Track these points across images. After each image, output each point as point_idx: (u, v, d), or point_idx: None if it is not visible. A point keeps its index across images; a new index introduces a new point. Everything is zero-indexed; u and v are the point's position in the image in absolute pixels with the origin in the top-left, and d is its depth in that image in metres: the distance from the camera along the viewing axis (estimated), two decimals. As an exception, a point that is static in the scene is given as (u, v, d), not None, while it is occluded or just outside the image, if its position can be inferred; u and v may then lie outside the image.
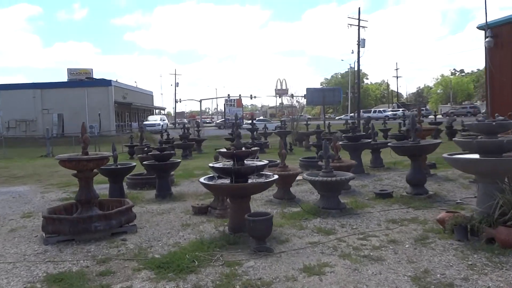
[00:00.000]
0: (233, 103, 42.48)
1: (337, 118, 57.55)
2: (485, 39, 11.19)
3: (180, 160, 9.05)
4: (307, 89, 36.74)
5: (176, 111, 68.65)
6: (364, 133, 11.05)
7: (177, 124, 51.90)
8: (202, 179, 5.77)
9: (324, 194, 6.68)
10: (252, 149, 5.66)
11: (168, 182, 8.86)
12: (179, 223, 6.51)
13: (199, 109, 77.73)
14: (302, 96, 79.11)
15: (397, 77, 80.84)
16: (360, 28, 36.56)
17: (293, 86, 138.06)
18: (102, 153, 6.45)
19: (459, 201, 6.77)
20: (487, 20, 10.94)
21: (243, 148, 5.54)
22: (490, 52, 11.07)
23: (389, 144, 7.84)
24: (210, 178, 5.93)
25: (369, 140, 10.39)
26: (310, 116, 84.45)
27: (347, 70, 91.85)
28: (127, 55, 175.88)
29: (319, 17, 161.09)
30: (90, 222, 5.76)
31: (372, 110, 65.07)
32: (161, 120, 43.62)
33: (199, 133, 21.22)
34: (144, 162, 8.94)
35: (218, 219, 6.58)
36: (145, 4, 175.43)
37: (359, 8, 37.80)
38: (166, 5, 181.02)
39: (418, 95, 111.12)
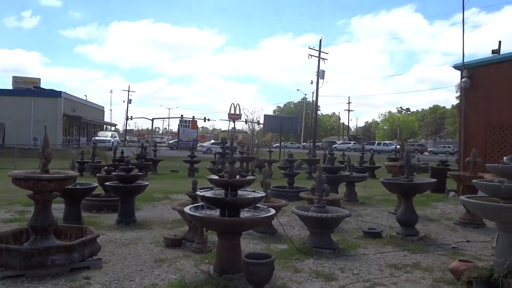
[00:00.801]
0: (188, 124, 41.46)
1: (289, 145, 57.78)
2: (461, 79, 11.33)
3: (147, 183, 8.13)
4: (265, 116, 36.65)
5: (127, 128, 66.10)
6: (342, 165, 10.67)
7: (126, 142, 49.80)
8: (187, 209, 4.97)
9: (316, 232, 6.07)
10: (249, 177, 4.97)
11: (132, 207, 7.89)
12: (151, 258, 5.61)
13: (148, 128, 75.71)
14: (256, 122, 79.13)
15: (349, 111, 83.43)
16: (320, 59, 37.24)
17: (246, 111, 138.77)
18: (66, 172, 5.48)
19: (453, 245, 6.41)
20: (464, 61, 11.10)
21: (237, 176, 4.84)
22: (465, 93, 11.20)
23: (381, 180, 7.43)
24: (196, 208, 5.14)
25: (348, 173, 10.01)
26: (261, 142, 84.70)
27: (300, 99, 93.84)
28: (77, 68, 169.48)
29: (274, 47, 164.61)
30: (47, 254, 4.77)
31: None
32: (111, 136, 41.52)
33: (156, 153, 20.10)
34: (107, 183, 7.92)
35: (196, 254, 5.76)
36: (100, 18, 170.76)
37: (320, 40, 38.63)
38: (122, 21, 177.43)
39: (366, 130, 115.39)
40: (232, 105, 72.52)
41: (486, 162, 10.86)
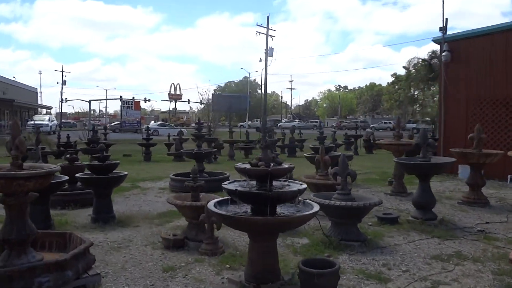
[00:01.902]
0: (130, 105, 39.04)
1: (239, 125, 56.88)
2: (441, 52, 11.05)
3: (126, 172, 6.94)
4: (213, 95, 35.48)
5: (62, 111, 61.52)
6: (334, 145, 10.04)
7: (62, 126, 46.12)
8: (212, 206, 4.00)
9: (340, 222, 5.35)
10: (290, 165, 4.08)
11: (110, 201, 6.69)
12: (156, 266, 4.61)
13: (85, 110, 71.33)
14: (199, 102, 77.15)
15: (291, 89, 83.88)
16: (269, 37, 36.41)
17: (187, 91, 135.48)
18: (44, 166, 4.26)
19: (479, 229, 6.00)
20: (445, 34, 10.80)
21: (272, 164, 3.93)
22: (445, 67, 10.95)
23: (395, 159, 6.85)
24: (220, 204, 4.18)
25: (339, 153, 9.40)
26: (202, 122, 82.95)
27: (242, 78, 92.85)
28: (1, 49, 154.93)
29: (212, 26, 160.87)
30: (32, 276, 3.62)
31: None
32: (49, 120, 38.02)
33: (106, 136, 18.39)
34: (78, 175, 6.64)
35: (209, 257, 4.83)
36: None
37: (268, 16, 37.64)
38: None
39: (306, 108, 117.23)
40: (172, 85, 70.20)
41: (466, 137, 10.77)
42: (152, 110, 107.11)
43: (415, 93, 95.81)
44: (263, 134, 4.05)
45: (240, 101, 35.69)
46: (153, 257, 4.90)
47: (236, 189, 3.82)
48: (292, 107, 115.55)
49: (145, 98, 46.52)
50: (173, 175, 9.69)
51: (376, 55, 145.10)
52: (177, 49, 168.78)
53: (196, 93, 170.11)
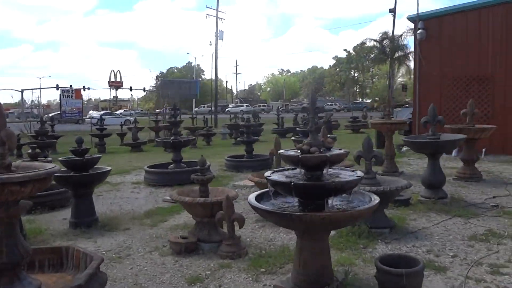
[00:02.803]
0: (71, 94, 36.34)
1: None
2: (415, 30, 10.94)
3: (109, 167, 6.03)
4: (162, 81, 34.08)
5: (-12, 102, 56.40)
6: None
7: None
8: (253, 201, 3.38)
9: (366, 209, 4.90)
10: (344, 150, 3.51)
11: (91, 202, 5.79)
12: (176, 277, 3.92)
13: (12, 101, 66.32)
14: (142, 89, 74.17)
15: (237, 74, 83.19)
16: (218, 19, 35.29)
17: (128, 78, 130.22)
18: (36, 165, 3.38)
19: (492, 204, 5.87)
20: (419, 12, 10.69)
21: (322, 150, 3.36)
22: (420, 45, 10.87)
23: (403, 138, 6.53)
24: (260, 197, 3.56)
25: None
26: (143, 110, 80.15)
27: (185, 64, 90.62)
28: None
29: (151, 10, 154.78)
30: (39, 309, 2.82)
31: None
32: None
33: (53, 128, 16.82)
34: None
35: (234, 260, 4.20)
36: None
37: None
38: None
39: (250, 92, 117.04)
40: (112, 72, 66.81)
41: (440, 115, 10.82)
42: (89, 100, 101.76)
43: (355, 75, 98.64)
44: (312, 115, 3.46)
45: (190, 87, 34.46)
46: (166, 266, 4.18)
47: (292, 182, 3.20)
48: (235, 92, 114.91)
49: (84, 87, 43.64)
50: (147, 167, 8.82)
51: (316, 38, 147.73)
52: (115, 35, 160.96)
53: (139, 80, 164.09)
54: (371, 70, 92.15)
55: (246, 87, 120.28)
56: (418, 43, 10.90)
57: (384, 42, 27.45)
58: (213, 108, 50.22)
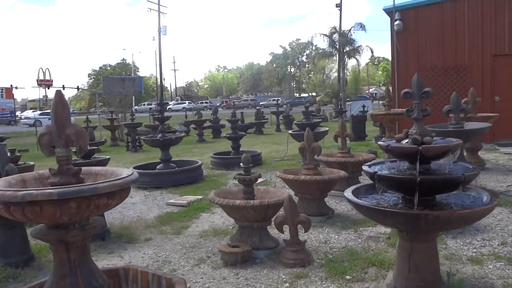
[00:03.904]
0: (1, 93, 33.13)
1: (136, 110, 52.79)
2: (392, 22, 10.98)
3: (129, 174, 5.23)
4: (104, 78, 32.09)
5: None
6: (320, 120, 9.26)
7: None
8: (351, 196, 2.94)
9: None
10: (458, 140, 3.14)
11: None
12: (252, 293, 3.36)
13: None
14: (76, 88, 70.45)
15: (175, 70, 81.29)
16: (161, 14, 33.83)
17: (59, 76, 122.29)
18: (119, 170, 2.67)
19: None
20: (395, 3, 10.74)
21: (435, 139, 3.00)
22: (397, 36, 10.93)
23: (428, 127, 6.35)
24: (358, 191, 3.13)
25: (327, 129, 8.68)
26: (75, 110, 75.68)
27: (120, 61, 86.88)
28: None
29: (74, 4, 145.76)
30: None
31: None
32: None
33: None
34: None
35: (304, 268, 3.73)
36: None
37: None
38: None
39: (187, 89, 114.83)
40: (41, 69, 62.17)
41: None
42: (14, 100, 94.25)
43: (291, 70, 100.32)
44: (418, 101, 3.08)
45: (135, 84, 32.74)
46: (230, 281, 3.60)
47: (417, 177, 2.80)
48: (172, 89, 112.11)
49: (11, 85, 40.02)
50: (134, 167, 7.98)
51: (250, 35, 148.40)
52: (40, 30, 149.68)
53: (70, 78, 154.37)
54: (307, 65, 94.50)
55: (183, 84, 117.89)
56: (395, 35, 10.95)
57: (334, 36, 27.94)
58: (153, 106, 48.43)
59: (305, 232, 3.97)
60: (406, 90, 3.26)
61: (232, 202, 4.07)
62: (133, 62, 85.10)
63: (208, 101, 66.94)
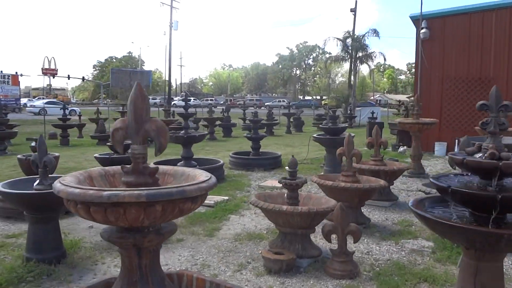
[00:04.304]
0: (7, 79, 32.92)
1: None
2: (419, 30, 10.84)
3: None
4: (112, 70, 32.02)
5: None
6: (346, 125, 9.10)
7: None
8: (415, 207, 2.80)
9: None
10: None
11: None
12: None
13: None
14: (81, 78, 70.06)
15: (181, 66, 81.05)
16: (173, 9, 33.71)
17: (63, 66, 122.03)
18: (197, 172, 2.51)
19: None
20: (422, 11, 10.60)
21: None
22: (422, 44, 10.79)
23: (467, 137, 6.20)
24: (422, 203, 2.98)
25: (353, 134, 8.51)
26: (78, 100, 75.46)
27: (126, 54, 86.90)
28: None
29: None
30: None
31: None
32: None
33: (6, 116, 14.80)
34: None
35: (352, 280, 3.57)
36: None
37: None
38: None
39: (191, 86, 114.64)
40: (46, 58, 62.20)
41: (441, 115, 10.86)
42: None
43: (297, 72, 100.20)
44: (496, 114, 2.92)
45: (143, 76, 32.69)
46: (278, 291, 3.45)
47: (498, 194, 2.64)
48: (178, 85, 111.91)
49: (16, 73, 39.89)
50: (155, 164, 7.81)
51: (257, 35, 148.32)
52: (47, 18, 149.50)
53: (75, 68, 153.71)
54: (312, 68, 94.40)
55: (188, 80, 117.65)
56: (421, 43, 10.80)
57: (347, 41, 27.79)
58: (158, 100, 48.35)
59: (354, 242, 3.83)
60: (482, 102, 3.09)
61: (279, 207, 3.92)
62: (139, 56, 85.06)
63: (213, 98, 66.73)
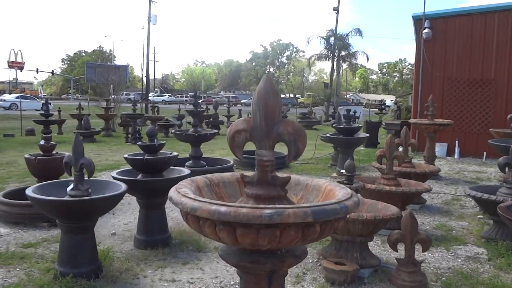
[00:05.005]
0: (-27, 71, 31.10)
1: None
2: (419, 30, 10.80)
3: (188, 170, 4.66)
4: (87, 64, 30.91)
5: None
6: (360, 125, 8.89)
7: None
8: None
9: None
10: None
11: (164, 214, 4.46)
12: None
13: None
14: (50, 72, 67.66)
15: (154, 61, 79.23)
16: (151, 2, 32.78)
17: (31, 59, 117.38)
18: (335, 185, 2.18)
19: None
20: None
21: None
22: (420, 45, 10.77)
23: (491, 141, 6.10)
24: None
25: (367, 134, 8.33)
26: (46, 95, 72.77)
27: (97, 48, 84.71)
28: None
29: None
30: None
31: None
32: None
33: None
34: (115, 175, 4.17)
35: (423, 293, 3.35)
36: None
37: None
38: None
39: (163, 82, 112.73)
40: (12, 51, 59.64)
41: (442, 116, 10.86)
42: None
43: (271, 70, 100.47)
44: None
45: (121, 72, 31.60)
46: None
47: None
48: (148, 81, 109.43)
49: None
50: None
51: (231, 32, 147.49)
52: (13, 10, 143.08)
53: (43, 62, 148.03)
54: (286, 66, 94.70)
55: (160, 76, 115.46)
56: (423, 43, 10.76)
57: (330, 39, 27.80)
58: (133, 96, 47.06)
59: (423, 252, 3.60)
60: None
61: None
62: (111, 50, 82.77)
63: (188, 95, 65.70)
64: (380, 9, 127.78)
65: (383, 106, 22.78)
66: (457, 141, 10.67)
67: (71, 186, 3.54)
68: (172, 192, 1.72)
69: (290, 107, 36.00)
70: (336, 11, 27.67)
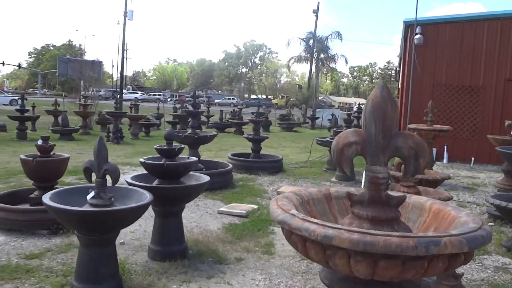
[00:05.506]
0: None
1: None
2: (411, 35, 10.89)
3: (208, 177, 4.36)
4: (60, 58, 29.82)
5: None
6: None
7: None
8: None
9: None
10: None
11: (181, 223, 4.16)
12: None
13: None
14: (16, 65, 65.25)
15: (126, 58, 77.26)
16: (127, -4, 31.88)
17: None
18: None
19: None
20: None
21: None
22: (410, 51, 10.86)
23: (499, 148, 6.10)
24: None
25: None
26: (11, 89, 69.83)
27: (66, 42, 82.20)
28: None
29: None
30: None
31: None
32: None
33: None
34: (129, 180, 3.86)
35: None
36: None
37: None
38: None
39: (133, 79, 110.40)
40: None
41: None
42: None
43: (243, 70, 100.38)
44: None
45: (94, 67, 30.58)
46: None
47: None
48: (115, 78, 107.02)
49: None
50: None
51: (203, 31, 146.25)
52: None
53: (8, 54, 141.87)
54: (259, 67, 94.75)
55: (130, 74, 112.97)
56: (414, 49, 10.84)
57: (310, 41, 27.85)
58: (103, 93, 45.96)
59: (464, 264, 3.48)
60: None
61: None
62: (80, 45, 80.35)
63: (161, 93, 64.65)
64: (355, 13, 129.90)
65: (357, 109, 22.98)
66: (445, 146, 10.81)
67: (92, 193, 3.23)
68: (284, 215, 1.49)
69: (265, 108, 35.88)
70: (315, 14, 27.79)
